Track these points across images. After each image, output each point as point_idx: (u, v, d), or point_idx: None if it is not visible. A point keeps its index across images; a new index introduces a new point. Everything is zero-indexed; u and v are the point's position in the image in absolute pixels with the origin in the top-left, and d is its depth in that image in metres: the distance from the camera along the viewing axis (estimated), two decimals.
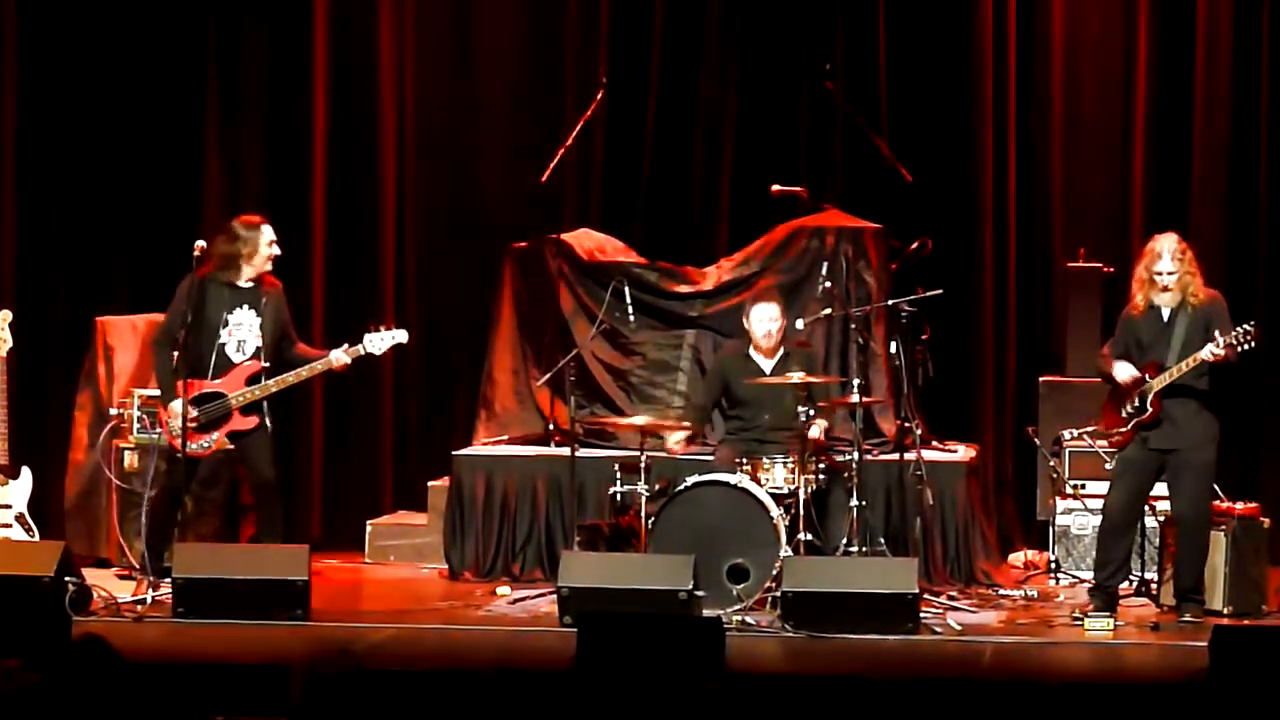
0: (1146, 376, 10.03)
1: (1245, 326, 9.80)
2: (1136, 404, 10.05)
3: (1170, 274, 10.00)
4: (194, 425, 10.30)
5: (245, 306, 10.55)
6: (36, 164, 12.66)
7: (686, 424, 10.98)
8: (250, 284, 10.57)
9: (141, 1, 12.67)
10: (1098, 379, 10.51)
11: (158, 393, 10.72)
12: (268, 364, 10.52)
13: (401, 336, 10.65)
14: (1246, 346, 9.81)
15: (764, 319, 10.86)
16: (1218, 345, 9.78)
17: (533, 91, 12.85)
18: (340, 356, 10.57)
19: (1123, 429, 10.14)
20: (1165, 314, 10.06)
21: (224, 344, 10.49)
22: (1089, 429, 11.09)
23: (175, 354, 10.42)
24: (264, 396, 10.48)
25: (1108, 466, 10.46)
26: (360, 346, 10.58)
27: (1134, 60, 12.44)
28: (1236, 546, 10.28)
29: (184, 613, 9.94)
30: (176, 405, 10.33)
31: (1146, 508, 10.53)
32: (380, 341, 10.60)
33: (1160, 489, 10.31)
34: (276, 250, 10.62)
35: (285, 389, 10.58)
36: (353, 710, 5.69)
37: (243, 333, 10.54)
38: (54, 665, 5.59)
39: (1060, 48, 12.53)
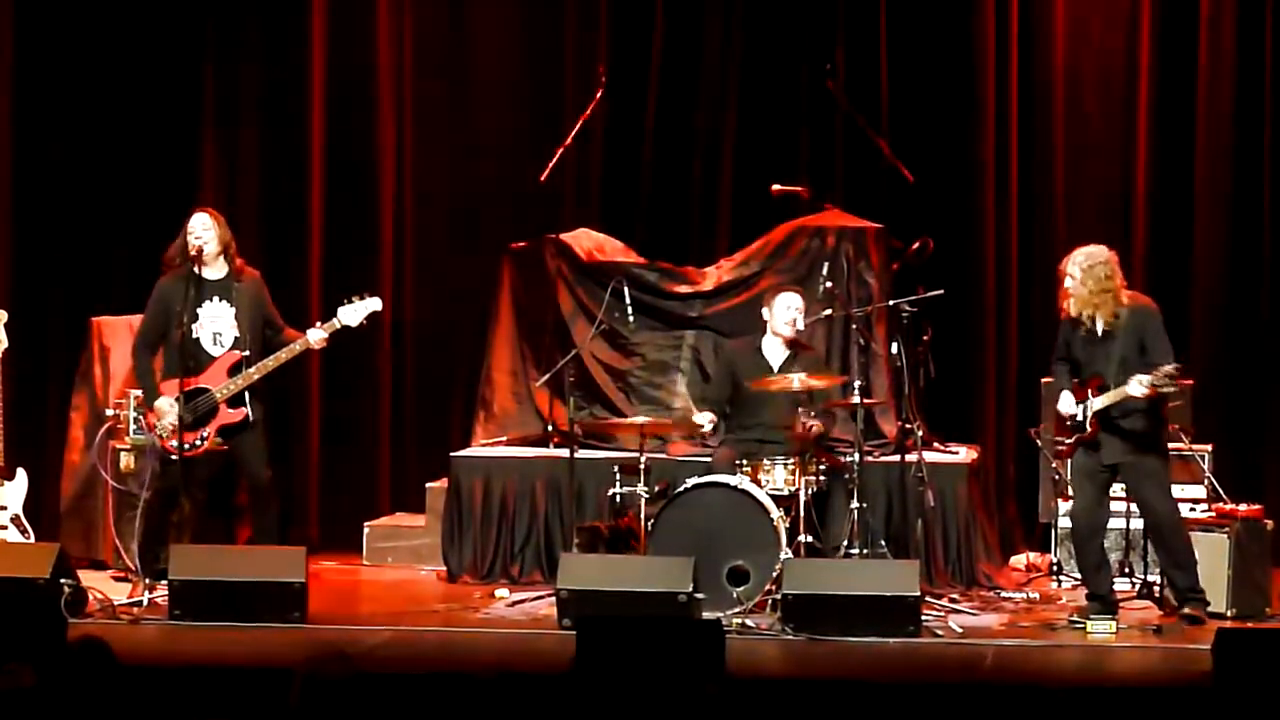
0: (1089, 392, 9.96)
1: (1169, 369, 9.68)
2: (1077, 419, 9.99)
3: (1071, 293, 9.92)
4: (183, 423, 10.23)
5: (216, 298, 10.45)
6: (33, 164, 12.63)
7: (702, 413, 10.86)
8: (220, 275, 10.48)
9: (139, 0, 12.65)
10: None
11: None
12: (248, 353, 10.43)
13: (375, 304, 10.56)
14: (1169, 389, 9.74)
15: (789, 307, 10.81)
16: (1142, 384, 9.70)
17: (532, 90, 12.82)
18: (317, 334, 10.48)
19: (1067, 441, 10.11)
20: (1099, 328, 9.98)
21: (199, 338, 10.40)
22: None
23: (154, 357, 10.39)
24: (247, 385, 10.39)
25: None
26: (335, 320, 10.50)
27: (1136, 60, 12.41)
28: (1240, 549, 10.24)
29: (180, 615, 9.89)
30: (161, 403, 10.28)
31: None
32: (354, 313, 10.53)
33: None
34: (200, 240, 10.34)
35: (268, 375, 10.45)
36: (351, 713, 5.64)
37: (218, 325, 10.45)
38: (50, 668, 5.55)
39: (1062, 48, 12.48)
